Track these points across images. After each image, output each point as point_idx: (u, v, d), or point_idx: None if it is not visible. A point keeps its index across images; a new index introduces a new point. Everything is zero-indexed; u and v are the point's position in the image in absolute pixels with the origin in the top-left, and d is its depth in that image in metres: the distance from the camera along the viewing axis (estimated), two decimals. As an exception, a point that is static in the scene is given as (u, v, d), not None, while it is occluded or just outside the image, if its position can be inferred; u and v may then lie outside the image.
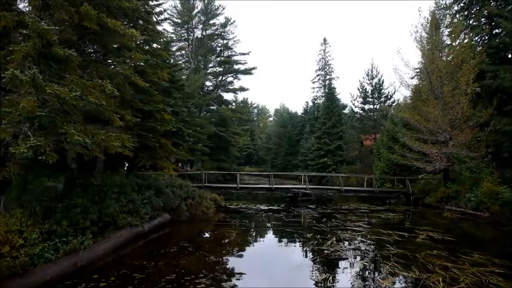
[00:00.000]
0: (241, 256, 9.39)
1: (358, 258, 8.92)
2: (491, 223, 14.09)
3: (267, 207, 19.23)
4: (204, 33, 44.89)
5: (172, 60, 24.82)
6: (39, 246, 6.82)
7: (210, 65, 46.15)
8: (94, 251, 8.12)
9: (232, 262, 8.66)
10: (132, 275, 7.09)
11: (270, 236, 12.92)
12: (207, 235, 12.48)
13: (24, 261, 6.19)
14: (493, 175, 16.50)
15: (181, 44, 44.29)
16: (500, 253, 9.37)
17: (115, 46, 10.28)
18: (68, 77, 7.36)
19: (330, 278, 7.24)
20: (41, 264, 6.56)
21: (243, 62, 45.18)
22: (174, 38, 42.32)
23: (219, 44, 46.13)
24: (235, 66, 45.16)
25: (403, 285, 6.99)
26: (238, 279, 7.27)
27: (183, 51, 44.10)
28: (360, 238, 11.23)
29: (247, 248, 10.55)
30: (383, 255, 9.08)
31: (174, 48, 39.81)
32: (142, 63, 12.30)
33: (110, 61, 10.86)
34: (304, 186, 22.18)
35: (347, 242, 10.54)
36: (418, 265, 7.99)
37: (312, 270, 7.94)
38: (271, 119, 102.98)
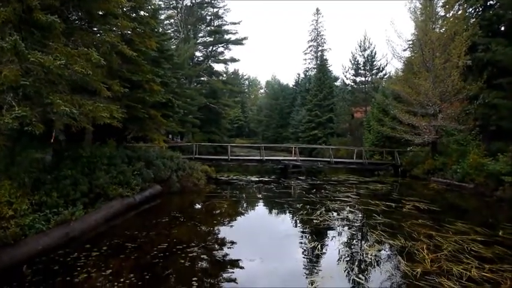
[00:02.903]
0: (232, 226, 9.54)
1: (346, 227, 9.15)
2: (475, 194, 14.53)
3: (257, 179, 19.43)
4: (194, 0, 43.33)
5: (160, 29, 24.04)
6: (30, 217, 6.81)
7: (200, 35, 44.83)
8: (85, 221, 8.15)
9: (224, 232, 8.81)
10: (125, 245, 7.18)
11: (260, 206, 13.15)
12: (198, 206, 12.62)
13: (14, 231, 6.19)
14: (479, 148, 16.82)
15: (170, 12, 42.68)
16: (482, 222, 9.73)
17: (100, 13, 9.84)
18: (51, 45, 7.07)
19: (319, 246, 7.45)
20: (32, 235, 6.57)
21: (233, 31, 44.00)
22: (162, 6, 40.76)
23: (209, 13, 44.62)
24: (226, 36, 43.96)
25: (388, 252, 7.23)
26: (230, 248, 7.42)
27: (172, 20, 42.59)
28: (348, 208, 11.50)
29: (238, 218, 10.72)
30: (370, 224, 9.35)
31: (162, 17, 38.37)
32: (129, 32, 11.86)
33: (95, 29, 10.43)
34: (295, 158, 22.38)
35: (336, 212, 10.78)
36: (404, 234, 8.25)
37: (302, 239, 8.15)
38: (262, 91, 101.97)
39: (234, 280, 5.71)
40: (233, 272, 6.07)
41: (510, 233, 8.54)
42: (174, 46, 32.81)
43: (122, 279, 5.38)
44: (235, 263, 6.49)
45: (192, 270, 6.05)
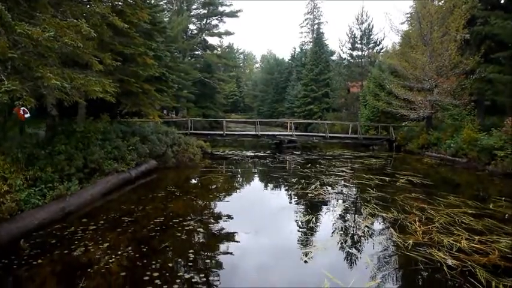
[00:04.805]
0: (228, 201, 9.63)
1: (341, 201, 9.29)
2: (467, 168, 14.74)
3: (253, 154, 19.50)
4: (186, -30, 41.77)
5: (152, 1, 23.27)
6: (25, 192, 6.80)
7: (194, 7, 43.50)
8: (82, 196, 8.17)
9: (219, 206, 8.91)
10: (121, 219, 7.23)
11: (256, 181, 13.26)
12: (194, 181, 12.68)
13: (10, 206, 6.18)
14: (474, 122, 16.91)
15: (162, -18, 41.25)
16: (474, 195, 9.94)
17: (89, -18, 9.47)
18: (39, 16, 6.82)
19: (313, 219, 7.57)
20: (28, 210, 6.59)
21: (228, 3, 42.84)
22: (154, -25, 39.25)
23: (203, -17, 43.22)
24: (220, 8, 42.79)
25: (381, 225, 7.38)
26: (226, 222, 7.51)
27: (164, -9, 41.25)
28: (342, 182, 11.65)
29: (233, 192, 10.83)
30: (364, 198, 9.48)
31: (154, -13, 37.08)
32: (120, 3, 11.47)
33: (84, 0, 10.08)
34: (290, 133, 22.42)
35: (330, 187, 10.90)
36: (397, 207, 8.40)
37: (296, 213, 8.27)
38: (257, 65, 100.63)
39: (230, 253, 5.81)
40: (229, 245, 6.18)
41: (500, 205, 8.72)
42: (167, 18, 32.00)
43: (119, 252, 5.45)
44: (231, 236, 6.59)
45: (188, 243, 6.14)
